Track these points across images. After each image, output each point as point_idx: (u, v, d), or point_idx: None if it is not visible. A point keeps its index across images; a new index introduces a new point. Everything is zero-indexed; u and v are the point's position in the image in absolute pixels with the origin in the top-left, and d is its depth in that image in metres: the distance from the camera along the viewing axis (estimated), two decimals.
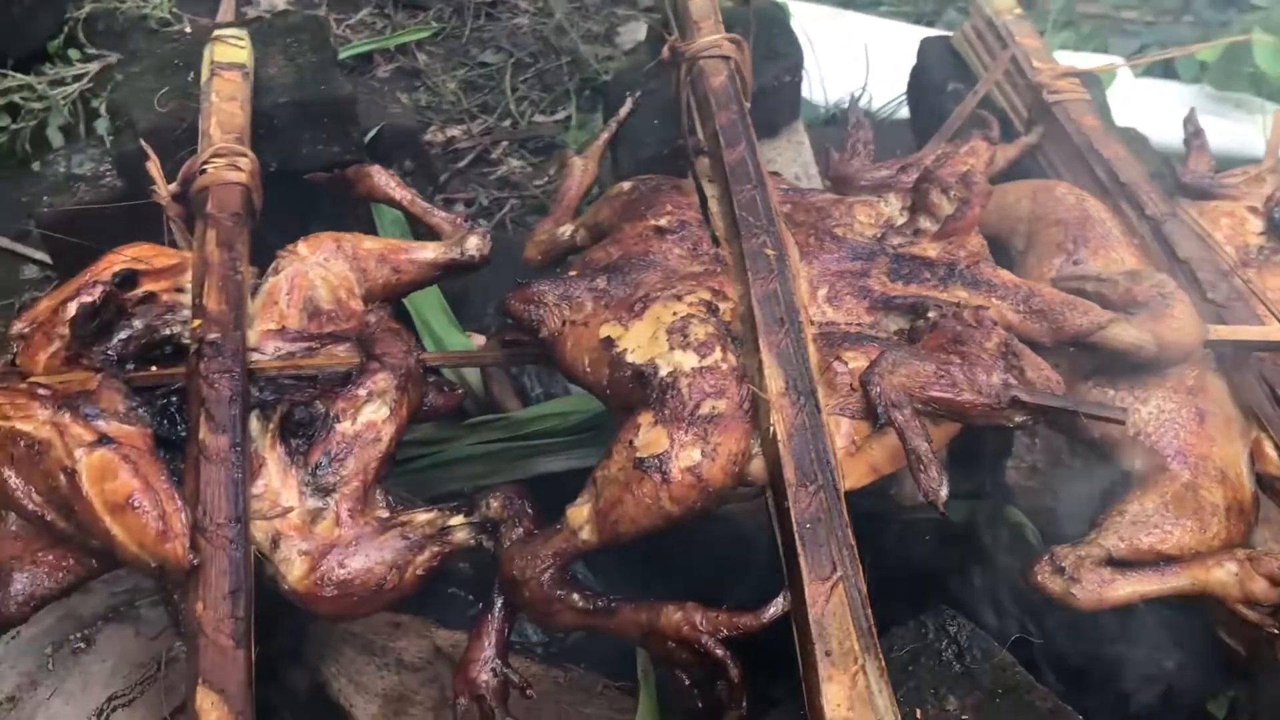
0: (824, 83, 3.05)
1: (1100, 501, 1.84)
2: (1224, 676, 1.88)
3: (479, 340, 2.36)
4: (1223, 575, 1.49)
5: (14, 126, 3.26)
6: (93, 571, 1.46)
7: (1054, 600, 1.48)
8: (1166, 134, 2.56)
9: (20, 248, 3.05)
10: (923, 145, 2.14)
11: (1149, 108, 3.03)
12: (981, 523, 1.96)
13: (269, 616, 1.46)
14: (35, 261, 3.02)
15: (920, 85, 2.50)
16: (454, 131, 3.45)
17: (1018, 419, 1.40)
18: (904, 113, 2.83)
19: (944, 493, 1.32)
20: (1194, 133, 2.00)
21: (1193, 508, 1.52)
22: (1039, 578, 1.48)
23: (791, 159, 2.36)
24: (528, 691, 1.47)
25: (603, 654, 1.97)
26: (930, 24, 3.72)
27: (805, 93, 2.60)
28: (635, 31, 3.78)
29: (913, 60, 2.61)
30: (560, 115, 3.51)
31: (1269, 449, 1.59)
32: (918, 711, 1.31)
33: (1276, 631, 1.51)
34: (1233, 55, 3.21)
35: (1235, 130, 3.06)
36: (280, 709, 1.76)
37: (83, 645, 1.84)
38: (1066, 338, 1.54)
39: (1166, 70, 3.54)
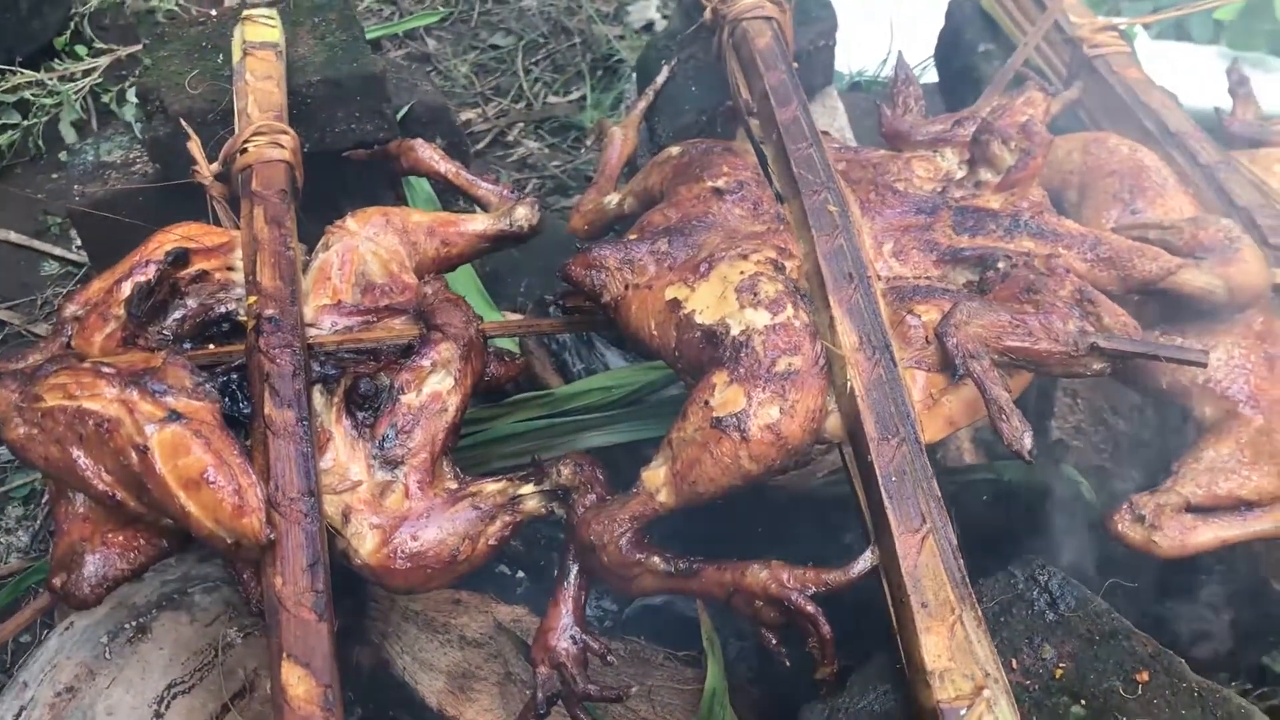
0: (846, 51, 3.03)
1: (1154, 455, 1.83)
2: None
3: (514, 319, 2.34)
4: None
5: (25, 123, 3.22)
6: (163, 552, 1.45)
7: (1135, 549, 1.47)
8: (1186, 96, 2.55)
9: (39, 244, 3.02)
10: (952, 108, 2.12)
11: (1166, 70, 3.01)
12: (1036, 481, 1.94)
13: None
14: (55, 257, 2.99)
15: (949, 47, 2.48)
16: (469, 115, 3.43)
17: (1096, 366, 1.39)
18: (928, 77, 2.81)
19: (1028, 441, 1.31)
20: (1239, 81, 1.99)
21: (1269, 452, 1.51)
22: (1119, 527, 1.47)
23: (827, 123, 2.34)
24: (608, 658, 1.45)
25: (661, 626, 1.96)
26: None
27: None
28: (645, 10, 3.76)
29: (932, 28, 2.59)
30: (574, 95, 3.49)
31: None
32: (1013, 661, 1.30)
33: None
34: (1251, 12, 3.20)
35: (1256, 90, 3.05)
36: (345, 686, 1.74)
37: (139, 634, 1.81)
38: (1135, 285, 1.52)
39: (1179, 33, 3.52)
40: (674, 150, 1.80)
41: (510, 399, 2.20)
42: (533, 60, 3.62)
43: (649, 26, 3.68)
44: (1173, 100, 1.94)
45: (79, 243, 2.95)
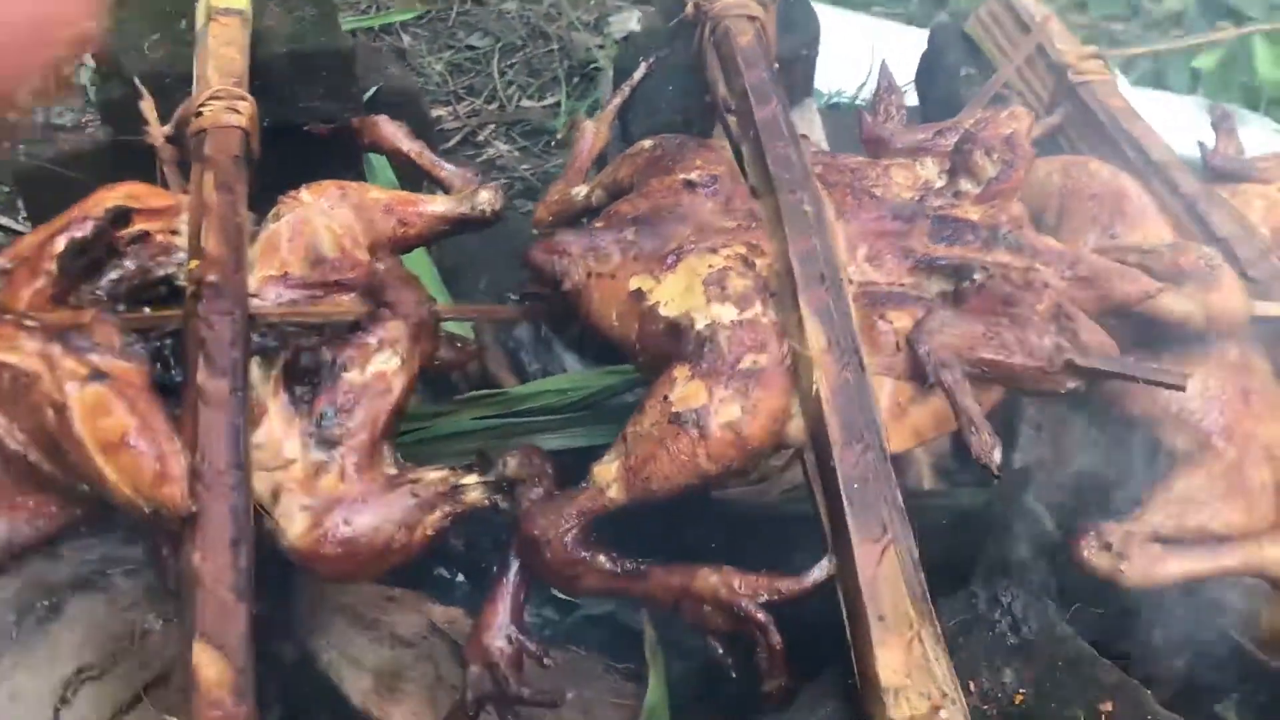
0: (826, 71, 3.00)
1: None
2: (1233, 677, 1.84)
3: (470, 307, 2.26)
4: (1278, 554, 1.43)
5: None
6: (76, 520, 1.35)
7: (1100, 577, 1.42)
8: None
9: None
10: None
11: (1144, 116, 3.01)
12: (996, 509, 1.89)
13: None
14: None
15: (931, 71, 2.45)
16: (440, 112, 3.36)
17: (1070, 384, 1.34)
18: (908, 100, 2.78)
19: (997, 455, 1.26)
20: (1221, 116, 1.96)
21: (1240, 487, 1.47)
22: (1085, 554, 1.42)
23: (804, 134, 2.29)
24: (545, 660, 1.37)
25: (603, 637, 1.89)
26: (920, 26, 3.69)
27: None
28: (626, 21, 3.72)
29: (909, 57, 2.56)
30: (549, 101, 3.43)
31: None
32: (972, 684, 1.24)
33: None
34: (1229, 65, 3.21)
35: None
36: (265, 679, 1.65)
37: (51, 614, 1.71)
38: (1113, 306, 1.48)
39: (1158, 83, 3.53)
40: (646, 144, 1.74)
41: (462, 396, 2.12)
42: (509, 63, 3.56)
43: (629, 38, 3.64)
44: (1155, 130, 1.91)
45: (25, 214, 2.85)
